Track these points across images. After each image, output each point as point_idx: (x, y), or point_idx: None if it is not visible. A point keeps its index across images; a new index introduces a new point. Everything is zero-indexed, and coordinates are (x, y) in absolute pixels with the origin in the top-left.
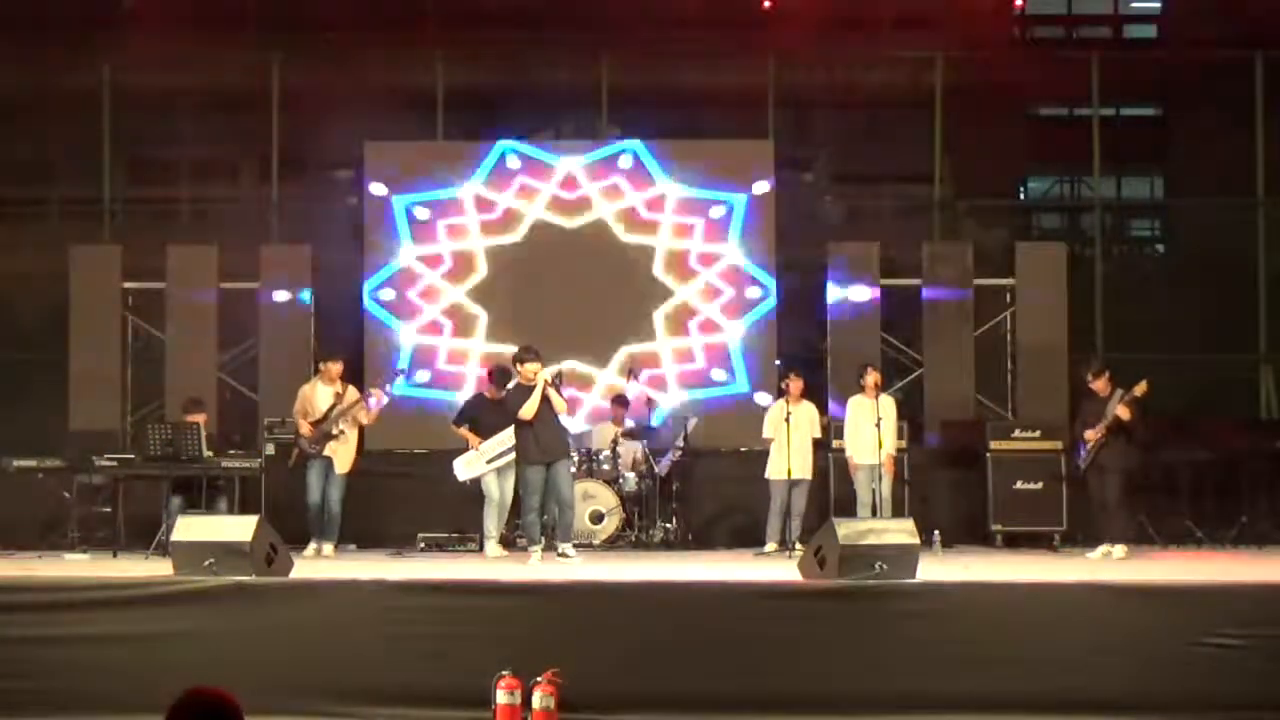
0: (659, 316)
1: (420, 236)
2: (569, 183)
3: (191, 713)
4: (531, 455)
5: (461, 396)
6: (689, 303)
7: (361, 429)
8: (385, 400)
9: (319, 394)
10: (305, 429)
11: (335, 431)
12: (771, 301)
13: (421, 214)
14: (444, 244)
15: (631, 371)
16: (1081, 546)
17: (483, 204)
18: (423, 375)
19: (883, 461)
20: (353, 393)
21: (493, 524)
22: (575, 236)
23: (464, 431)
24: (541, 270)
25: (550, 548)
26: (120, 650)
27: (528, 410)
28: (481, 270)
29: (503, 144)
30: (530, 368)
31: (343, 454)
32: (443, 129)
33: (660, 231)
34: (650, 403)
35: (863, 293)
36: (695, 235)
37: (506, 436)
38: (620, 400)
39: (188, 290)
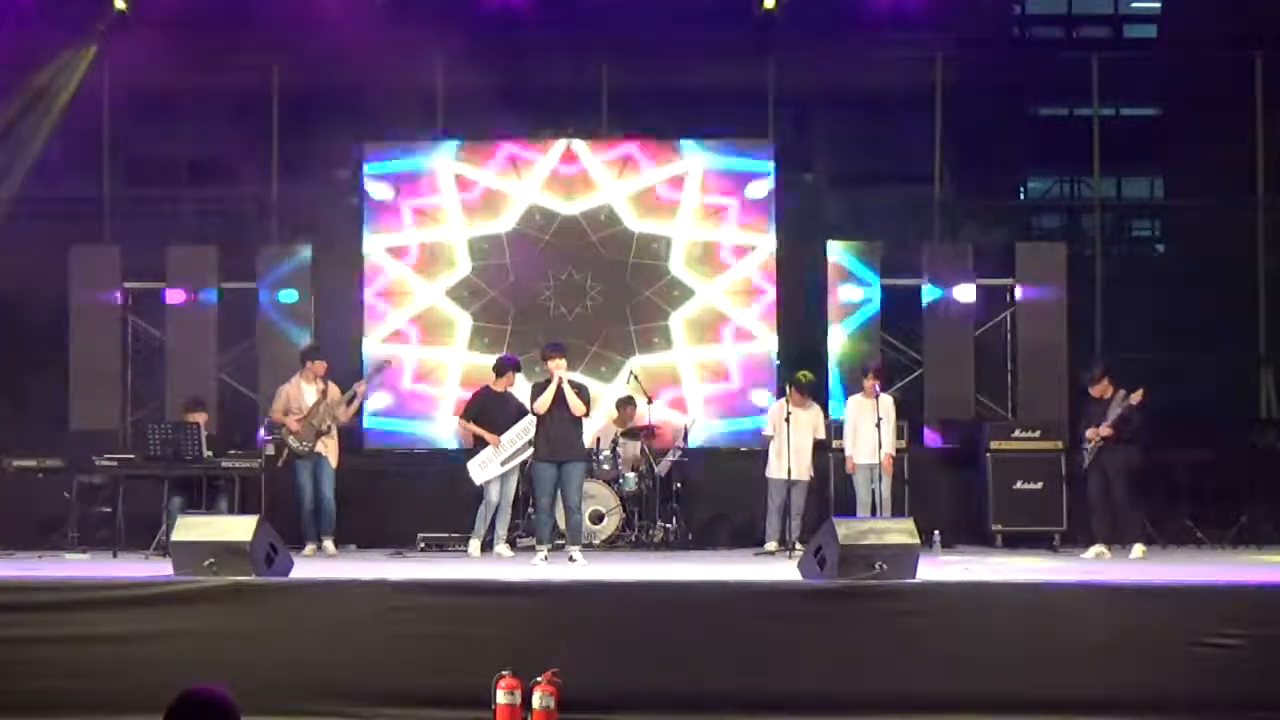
0: (677, 322)
1: (380, 221)
2: (568, 156)
3: (189, 712)
4: (541, 453)
5: (434, 428)
6: (716, 305)
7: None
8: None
9: (304, 392)
10: (293, 425)
11: (324, 428)
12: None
13: (379, 191)
14: (410, 231)
15: (639, 382)
16: (1082, 547)
17: (462, 183)
18: (382, 399)
19: (881, 461)
20: (335, 390)
21: (482, 524)
22: (576, 224)
23: (473, 427)
24: (533, 265)
25: (559, 549)
26: (120, 650)
27: (540, 405)
28: (462, 265)
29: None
30: (551, 364)
31: (333, 449)
32: (443, 129)
33: (681, 216)
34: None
35: (863, 293)
36: (728, 219)
37: (521, 431)
38: (626, 402)
39: (188, 290)
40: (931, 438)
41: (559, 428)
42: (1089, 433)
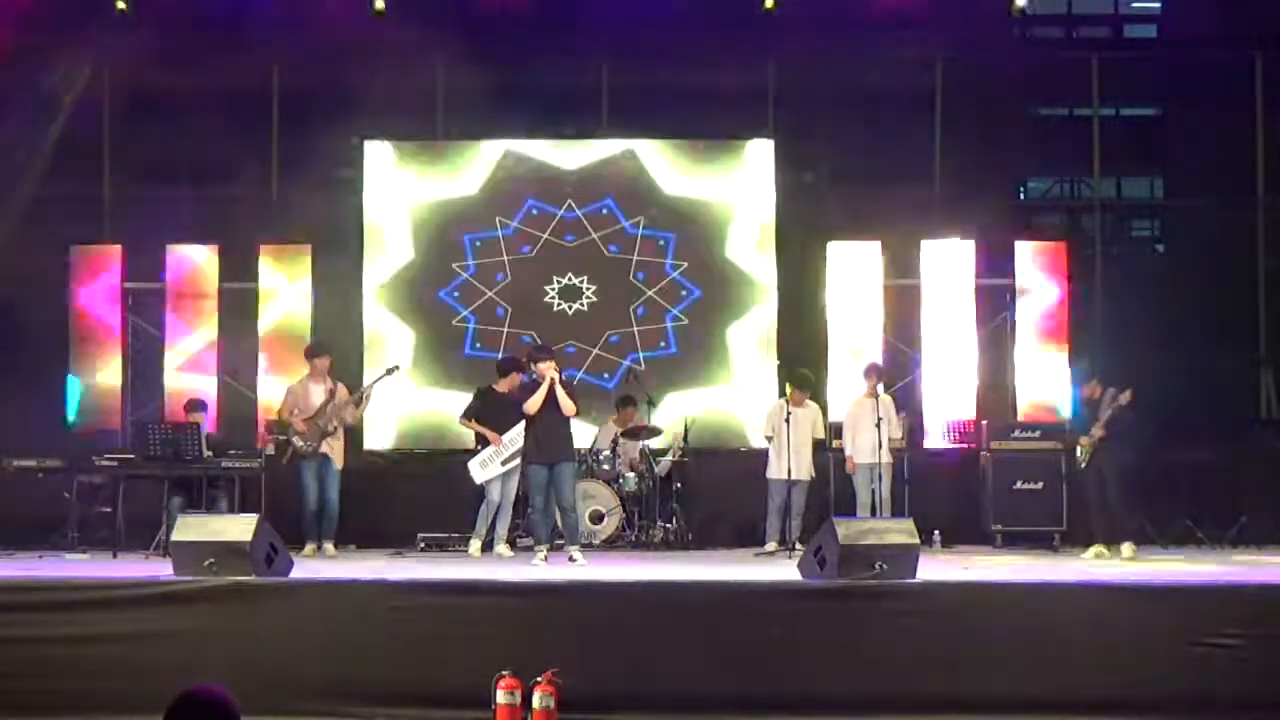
0: (735, 333)
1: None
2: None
3: (189, 712)
4: (532, 455)
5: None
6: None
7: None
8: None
9: (312, 392)
10: (300, 425)
11: (330, 429)
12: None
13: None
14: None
15: (639, 382)
16: (1081, 547)
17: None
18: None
19: (884, 461)
20: (343, 391)
21: (484, 524)
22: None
23: (476, 426)
24: (524, 258)
25: (559, 549)
26: (120, 650)
27: (530, 405)
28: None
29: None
30: (542, 366)
31: (338, 450)
32: (443, 129)
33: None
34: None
35: (863, 293)
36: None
37: (518, 433)
38: (625, 401)
39: (188, 290)
40: (931, 437)
41: (549, 428)
42: (1083, 440)
